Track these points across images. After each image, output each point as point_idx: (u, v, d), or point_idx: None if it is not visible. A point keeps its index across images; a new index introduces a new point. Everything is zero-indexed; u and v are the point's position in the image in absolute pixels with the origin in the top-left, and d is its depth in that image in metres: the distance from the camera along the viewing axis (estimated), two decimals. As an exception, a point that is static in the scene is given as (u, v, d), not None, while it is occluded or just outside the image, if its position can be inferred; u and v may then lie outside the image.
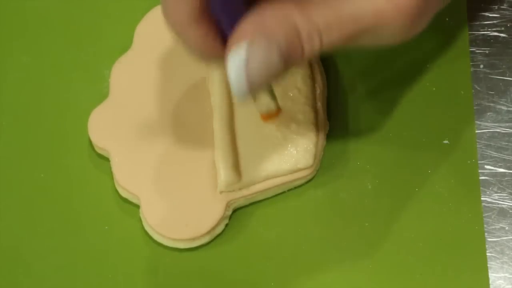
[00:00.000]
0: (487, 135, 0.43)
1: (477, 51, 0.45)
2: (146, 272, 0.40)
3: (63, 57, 0.45)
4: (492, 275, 0.40)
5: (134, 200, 0.41)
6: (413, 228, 0.41)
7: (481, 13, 0.45)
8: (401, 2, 0.32)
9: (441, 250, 0.40)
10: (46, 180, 0.42)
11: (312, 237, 0.41)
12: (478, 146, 0.43)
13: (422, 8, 0.32)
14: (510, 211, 0.41)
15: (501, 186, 0.42)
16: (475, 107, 0.43)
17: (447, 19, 0.45)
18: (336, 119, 0.43)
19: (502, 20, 0.45)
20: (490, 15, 0.45)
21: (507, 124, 0.43)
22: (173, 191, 0.40)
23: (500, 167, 0.43)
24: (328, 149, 0.42)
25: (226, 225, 0.41)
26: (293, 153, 0.40)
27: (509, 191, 0.42)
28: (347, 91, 0.44)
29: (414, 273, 0.40)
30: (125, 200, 0.41)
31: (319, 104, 0.42)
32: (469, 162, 0.42)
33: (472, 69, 0.44)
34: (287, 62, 0.31)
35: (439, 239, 0.41)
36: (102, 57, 0.44)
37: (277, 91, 0.41)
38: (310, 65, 0.43)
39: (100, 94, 0.43)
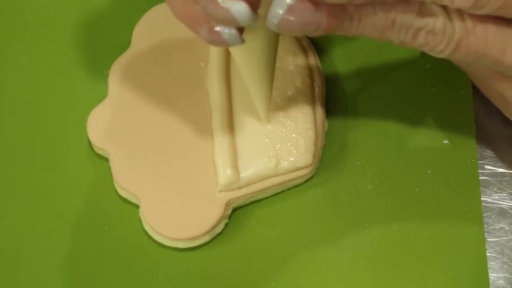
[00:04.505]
0: (487, 135, 0.43)
1: (477, 51, 0.45)
2: (146, 272, 0.40)
3: (63, 57, 0.45)
4: (492, 275, 0.40)
5: (134, 200, 0.41)
6: (413, 228, 0.41)
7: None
8: None
9: (441, 250, 0.40)
10: (46, 180, 0.42)
11: (312, 237, 0.41)
12: (478, 146, 0.43)
13: None
14: (510, 211, 0.41)
15: (501, 186, 0.42)
16: (475, 107, 0.43)
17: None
18: (335, 118, 0.43)
19: (502, 20, 0.45)
20: (490, 15, 0.45)
21: (507, 124, 0.43)
22: (172, 191, 0.40)
23: (500, 167, 0.43)
24: (327, 148, 0.42)
25: (226, 224, 0.41)
26: (292, 152, 0.40)
27: (509, 191, 0.42)
28: (346, 90, 0.44)
29: (414, 273, 0.40)
30: (125, 200, 0.41)
31: (318, 103, 0.42)
32: (469, 162, 0.42)
33: (472, 69, 0.44)
34: None
35: (439, 239, 0.40)
36: (101, 57, 0.44)
37: (276, 90, 0.41)
38: (309, 65, 0.43)
39: (100, 94, 0.43)
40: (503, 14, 0.32)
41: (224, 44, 0.32)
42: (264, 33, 0.35)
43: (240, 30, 0.31)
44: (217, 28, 0.31)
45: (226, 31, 0.31)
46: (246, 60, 0.37)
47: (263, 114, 0.41)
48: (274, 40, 0.36)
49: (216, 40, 0.31)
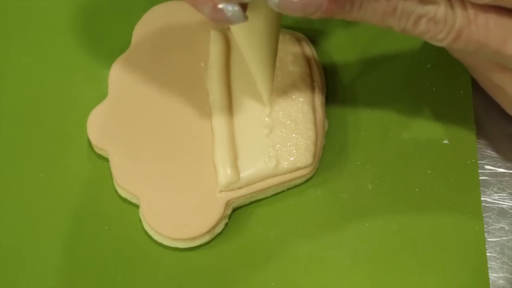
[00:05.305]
0: (487, 135, 0.43)
1: (477, 51, 0.45)
2: (146, 272, 0.40)
3: (63, 57, 0.45)
4: (492, 275, 0.40)
5: (134, 200, 0.41)
6: (413, 228, 0.41)
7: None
8: None
9: (441, 250, 0.40)
10: (46, 180, 0.42)
11: (312, 237, 0.41)
12: (478, 146, 0.43)
13: None
14: (510, 211, 0.41)
15: (501, 186, 0.42)
16: (475, 107, 0.43)
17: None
18: (335, 118, 0.43)
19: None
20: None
21: (507, 124, 0.43)
22: (172, 191, 0.40)
23: (500, 167, 0.43)
24: (327, 148, 0.42)
25: (226, 224, 0.41)
26: (292, 152, 0.40)
27: (509, 191, 0.42)
28: (346, 90, 0.44)
29: (414, 273, 0.40)
30: (125, 200, 0.41)
31: (318, 103, 0.42)
32: (469, 162, 0.42)
33: (472, 69, 0.44)
34: None
35: (439, 239, 0.40)
36: (101, 57, 0.44)
37: (277, 90, 0.41)
38: (309, 64, 0.43)
39: (100, 94, 0.43)
40: (505, 4, 0.32)
41: (227, 22, 0.32)
42: (266, 12, 0.35)
43: (243, 7, 0.31)
44: (220, 6, 0.31)
45: (229, 8, 0.31)
46: (248, 40, 0.37)
47: (265, 96, 0.41)
48: (276, 19, 0.37)
49: (220, 17, 0.32)
